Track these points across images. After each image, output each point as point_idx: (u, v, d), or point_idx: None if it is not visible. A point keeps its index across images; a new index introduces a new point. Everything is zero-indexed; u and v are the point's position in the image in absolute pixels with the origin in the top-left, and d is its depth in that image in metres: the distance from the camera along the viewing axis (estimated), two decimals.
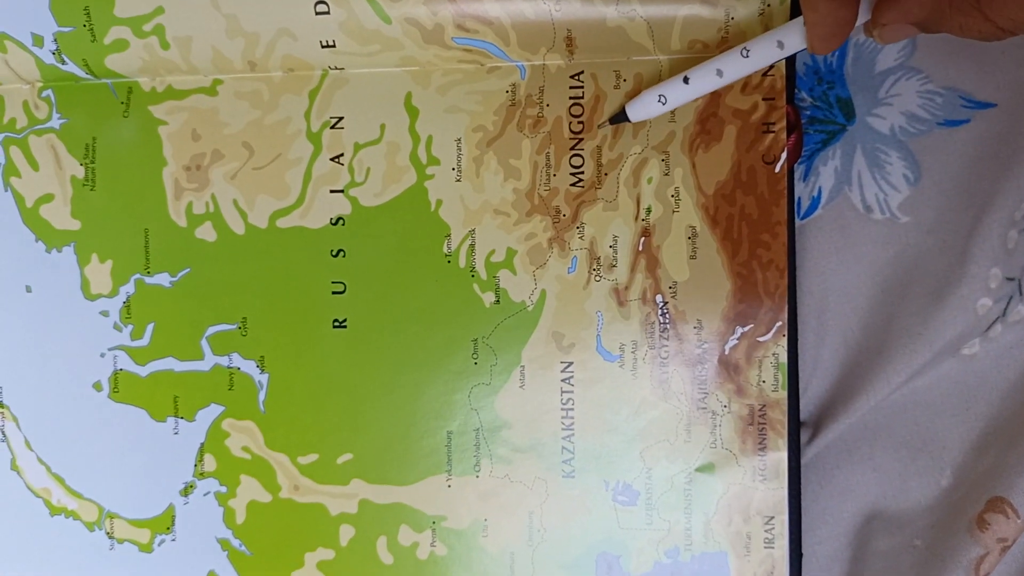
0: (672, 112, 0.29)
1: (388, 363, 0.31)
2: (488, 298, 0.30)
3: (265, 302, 0.31)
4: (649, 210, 0.29)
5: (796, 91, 0.30)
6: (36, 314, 0.32)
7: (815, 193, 0.30)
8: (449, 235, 0.30)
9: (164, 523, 0.32)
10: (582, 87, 0.30)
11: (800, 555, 0.29)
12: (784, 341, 0.29)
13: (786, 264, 0.29)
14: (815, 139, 0.30)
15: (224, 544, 0.32)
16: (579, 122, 0.30)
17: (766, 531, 0.29)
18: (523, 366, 0.30)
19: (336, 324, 0.31)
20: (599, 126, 0.29)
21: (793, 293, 0.29)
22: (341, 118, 0.31)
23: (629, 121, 0.29)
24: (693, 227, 0.29)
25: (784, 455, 0.29)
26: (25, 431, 0.33)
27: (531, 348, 0.30)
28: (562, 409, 0.30)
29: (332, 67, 0.31)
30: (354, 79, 0.31)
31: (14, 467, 0.33)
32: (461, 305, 0.30)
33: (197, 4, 0.30)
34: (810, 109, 0.30)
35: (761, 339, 0.29)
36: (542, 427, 0.30)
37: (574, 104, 0.30)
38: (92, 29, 0.30)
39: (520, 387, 0.30)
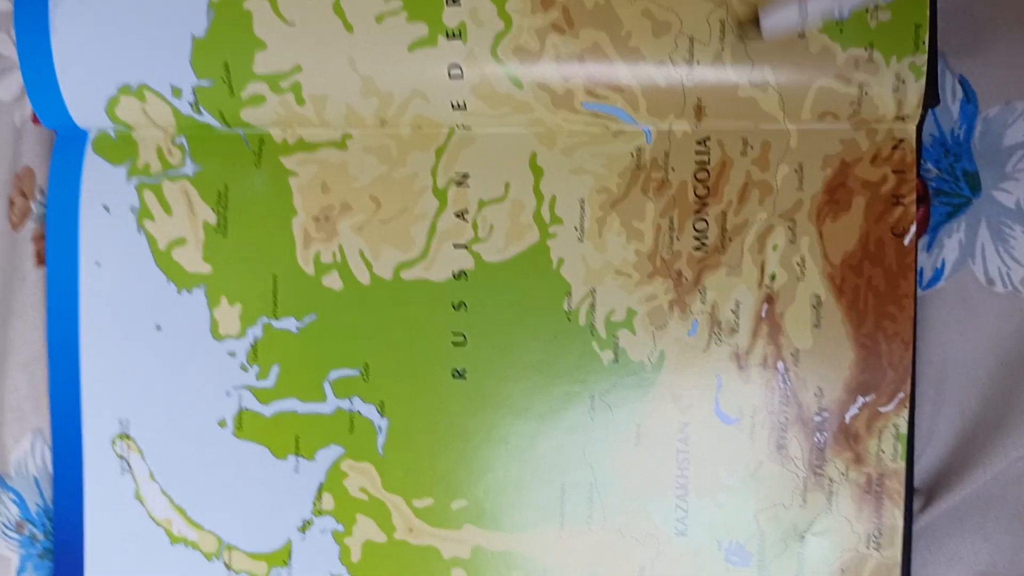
0: (800, 181, 0.28)
1: (505, 414, 0.30)
2: (607, 356, 0.30)
3: (387, 350, 0.31)
4: (774, 277, 0.28)
5: (922, 162, 0.29)
6: (165, 352, 0.32)
7: (938, 265, 0.29)
8: (570, 293, 0.29)
9: (281, 557, 0.32)
10: (708, 153, 0.29)
11: None
12: (905, 413, 0.27)
13: (911, 337, 0.27)
14: (940, 211, 0.29)
15: None
16: (704, 187, 0.29)
17: None
18: (639, 424, 0.29)
19: (456, 374, 0.31)
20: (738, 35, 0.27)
21: (913, 364, 0.28)
22: (467, 175, 0.30)
23: (760, 33, 0.26)
24: (818, 296, 0.28)
25: (899, 524, 0.28)
26: (150, 463, 0.33)
27: (648, 407, 0.29)
28: (677, 468, 0.29)
29: (460, 126, 0.30)
30: (480, 138, 0.30)
31: (137, 496, 0.33)
32: (579, 361, 0.30)
33: (335, 64, 0.29)
34: (936, 181, 0.29)
35: (882, 409, 0.28)
36: (656, 484, 0.29)
37: (700, 169, 0.29)
38: (230, 84, 0.30)
39: (635, 445, 0.30)
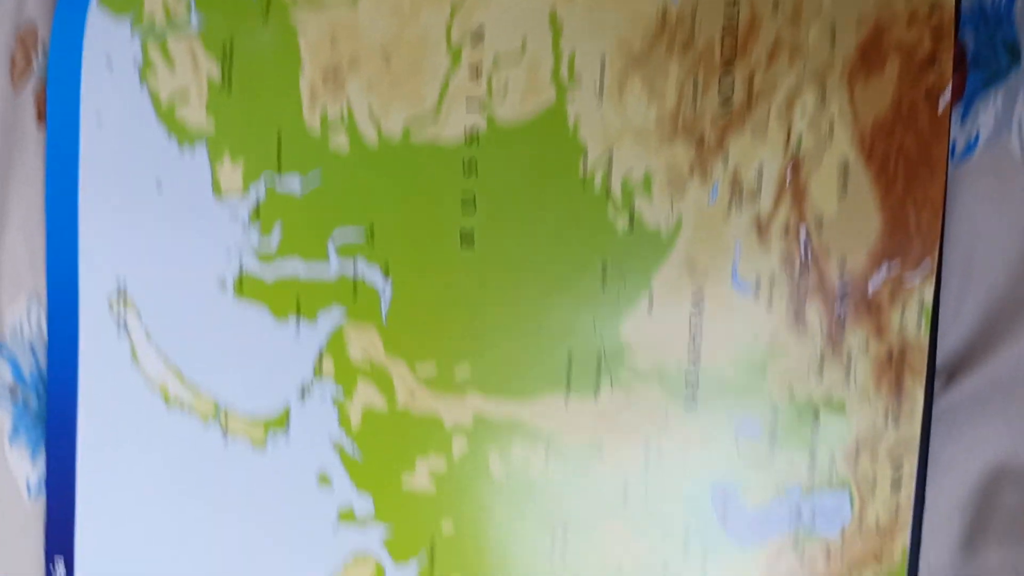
0: (832, 41, 0.26)
1: (513, 279, 0.28)
2: (622, 222, 0.28)
3: (393, 211, 0.29)
4: (800, 140, 0.27)
5: (961, 28, 0.27)
6: (165, 210, 0.30)
7: (972, 137, 0.27)
8: (585, 156, 0.28)
9: (279, 422, 0.30)
10: (737, 11, 0.27)
11: (923, 503, 0.27)
12: (931, 284, 0.26)
13: (941, 203, 0.26)
14: (977, 81, 0.27)
15: (337, 446, 0.30)
16: (732, 46, 0.27)
17: (894, 474, 0.27)
18: (652, 292, 0.28)
19: (463, 238, 0.29)
20: None
21: (941, 235, 0.27)
22: (482, 31, 0.28)
23: None
24: (846, 160, 0.26)
25: (919, 399, 0.26)
26: (146, 324, 0.31)
27: (662, 274, 0.28)
28: (690, 337, 0.28)
29: None
30: None
31: (133, 358, 0.31)
32: (593, 227, 0.28)
33: None
34: (973, 49, 0.27)
35: (907, 280, 0.26)
36: (667, 354, 0.28)
37: (728, 28, 0.27)
38: None
39: (648, 313, 0.28)
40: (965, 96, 0.27)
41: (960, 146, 0.27)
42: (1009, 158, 0.26)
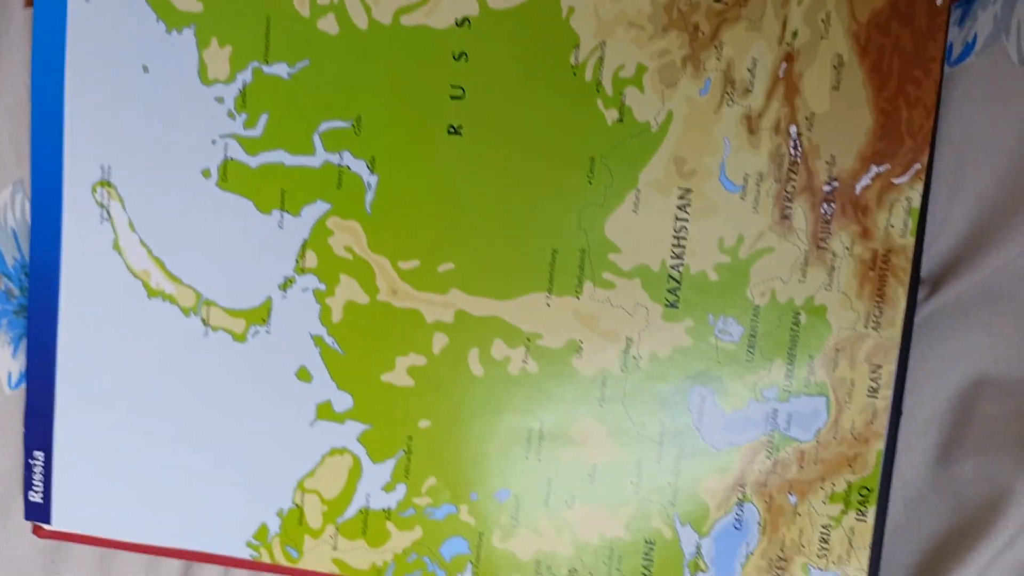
0: None
1: (500, 174, 0.28)
2: (611, 115, 0.28)
3: (381, 102, 0.29)
4: (795, 34, 0.26)
5: None
6: (151, 95, 0.30)
7: (969, 39, 0.27)
8: (578, 46, 0.27)
9: (260, 315, 0.31)
10: None
11: (900, 412, 0.27)
12: (920, 185, 0.26)
13: (934, 103, 0.25)
14: None
15: (318, 341, 0.30)
16: None
17: (871, 379, 0.27)
18: (639, 189, 0.28)
19: (451, 130, 0.29)
20: None
21: (933, 140, 0.26)
22: None
23: None
24: (840, 56, 0.26)
25: (902, 304, 0.26)
26: (130, 212, 0.31)
27: (650, 171, 0.27)
28: (674, 237, 0.28)
29: None
30: None
31: (116, 247, 0.31)
32: (582, 121, 0.28)
33: None
34: None
35: (896, 181, 0.26)
36: (651, 253, 0.28)
37: None
38: None
39: (633, 211, 0.28)
40: None
41: (957, 49, 0.26)
42: (1006, 62, 0.26)
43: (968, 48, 0.26)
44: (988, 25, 0.26)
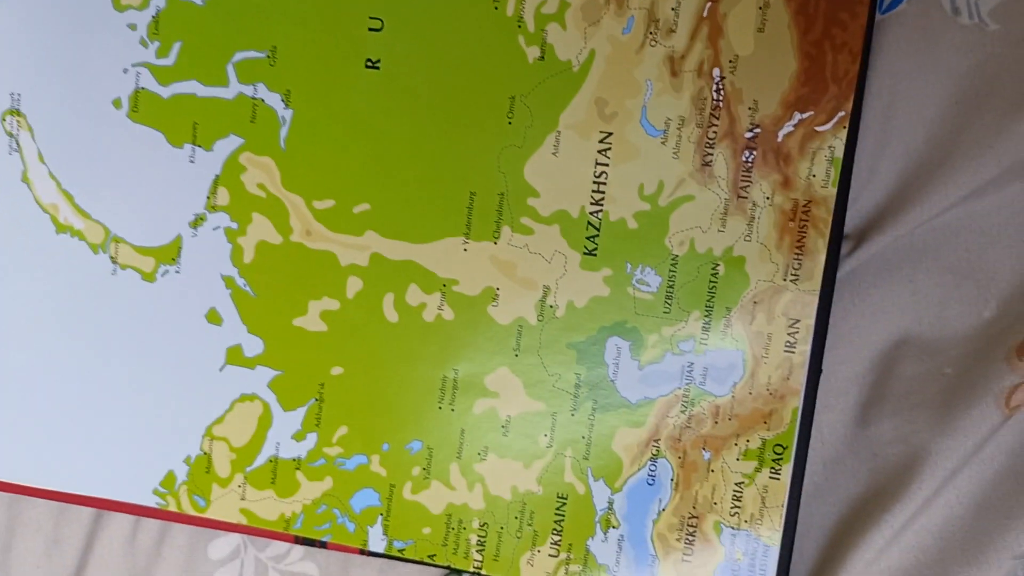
0: None
1: (418, 112, 0.28)
2: (532, 53, 0.27)
3: (298, 32, 0.28)
4: None
5: None
6: (61, 19, 0.29)
7: None
8: None
9: (170, 253, 0.30)
10: None
11: (820, 369, 0.27)
12: (844, 134, 0.26)
13: (860, 49, 0.25)
14: None
15: (228, 282, 0.30)
16: None
17: (789, 334, 0.27)
18: (559, 131, 0.27)
19: (369, 64, 0.28)
20: None
21: (860, 91, 0.26)
22: None
23: None
24: None
25: (822, 257, 0.26)
26: (39, 143, 0.30)
27: (570, 113, 0.27)
28: (594, 182, 0.27)
29: None
30: None
31: (24, 179, 0.31)
32: (503, 58, 0.27)
33: None
34: None
35: (819, 128, 0.26)
36: (570, 199, 0.27)
37: None
38: None
39: (553, 154, 0.27)
40: None
41: None
42: (939, 9, 0.26)
43: None
44: None
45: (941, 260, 0.27)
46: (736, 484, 0.27)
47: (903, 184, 0.27)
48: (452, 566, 0.29)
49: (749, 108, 0.26)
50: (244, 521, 0.30)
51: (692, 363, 0.27)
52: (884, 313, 0.27)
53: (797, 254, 0.26)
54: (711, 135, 0.26)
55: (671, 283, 0.27)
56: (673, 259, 0.27)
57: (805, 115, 0.25)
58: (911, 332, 0.27)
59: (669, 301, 0.27)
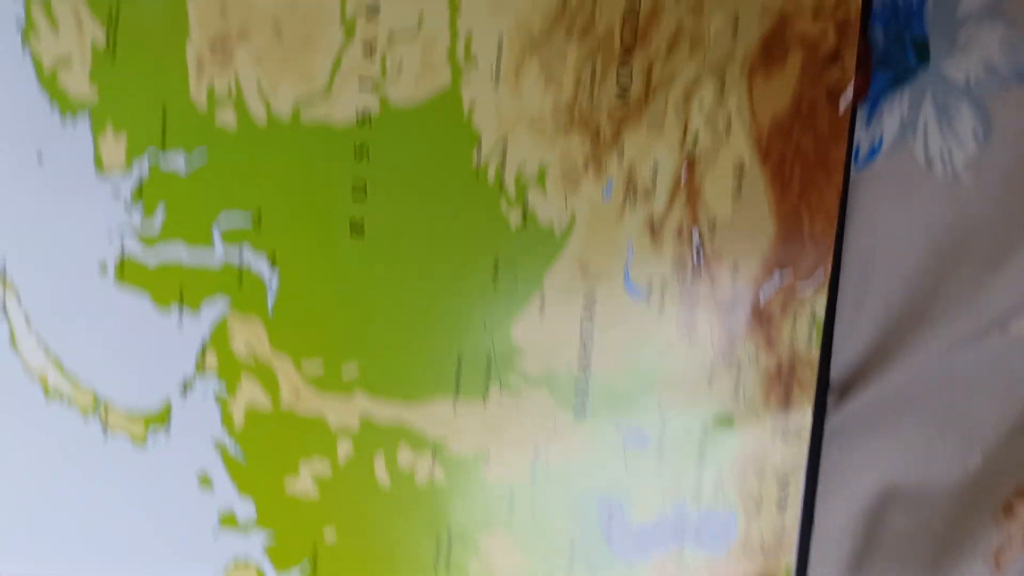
0: (735, 32, 0.26)
1: (403, 274, 0.28)
2: (514, 217, 0.28)
3: (281, 196, 0.29)
4: (697, 137, 0.27)
5: (870, 26, 0.27)
6: (46, 184, 0.30)
7: (876, 141, 0.27)
8: (480, 144, 0.28)
9: (160, 418, 0.31)
10: None
11: (811, 524, 0.27)
12: (824, 295, 0.26)
13: (836, 212, 0.26)
14: (883, 80, 0.27)
15: (219, 447, 0.30)
16: (632, 33, 0.27)
17: (780, 493, 0.27)
18: (544, 293, 0.28)
19: (353, 227, 0.29)
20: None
21: (839, 246, 0.27)
22: (377, 5, 0.28)
23: None
24: (742, 160, 0.27)
25: (808, 416, 0.26)
26: (26, 307, 0.31)
27: (554, 275, 0.28)
28: (580, 343, 0.28)
29: None
30: None
31: (12, 344, 0.31)
32: (485, 222, 0.28)
33: None
34: (882, 47, 0.27)
35: (800, 290, 0.26)
36: (557, 359, 0.28)
37: (629, 13, 0.27)
38: None
39: (539, 315, 0.28)
40: (871, 97, 0.27)
41: (864, 149, 0.27)
42: (913, 163, 0.27)
43: (875, 149, 0.27)
44: (895, 126, 0.27)
45: (926, 412, 0.27)
46: None
47: (884, 337, 0.27)
48: None
49: (730, 270, 0.26)
50: None
51: (685, 523, 0.27)
52: (872, 465, 0.27)
53: (784, 413, 0.26)
54: (694, 296, 0.27)
55: (661, 442, 0.27)
56: (663, 419, 0.27)
57: (785, 277, 0.26)
58: (900, 484, 0.27)
59: (660, 461, 0.27)
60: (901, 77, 0.27)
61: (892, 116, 0.27)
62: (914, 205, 0.26)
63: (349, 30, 0.28)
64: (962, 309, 0.26)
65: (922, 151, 0.26)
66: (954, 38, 0.26)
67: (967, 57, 0.26)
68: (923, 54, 0.26)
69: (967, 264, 0.26)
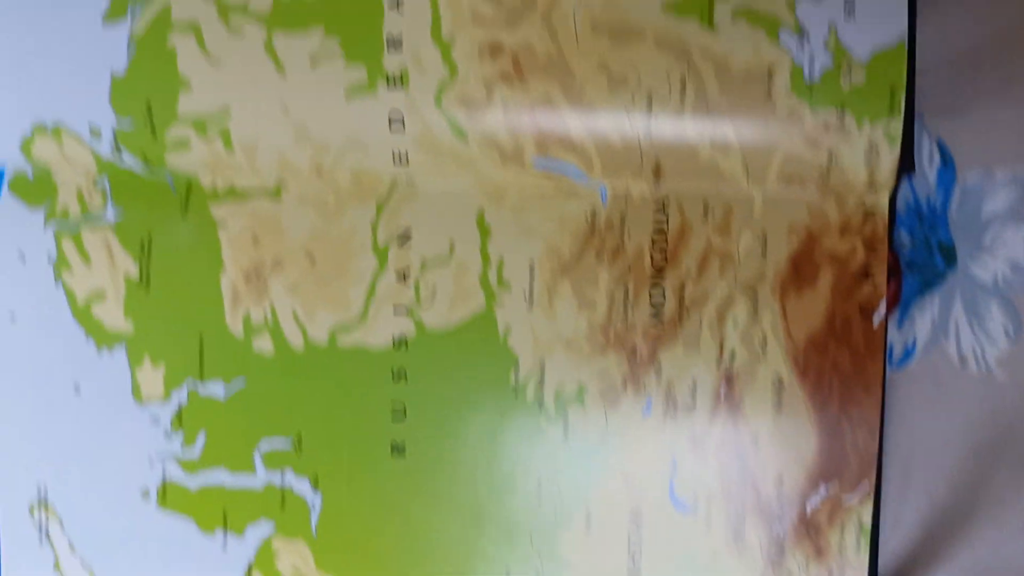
0: (764, 250, 0.27)
1: (447, 494, 0.29)
2: (555, 434, 0.28)
3: (321, 420, 0.29)
4: (733, 355, 0.28)
5: (896, 231, 0.28)
6: (84, 415, 0.31)
7: (910, 343, 0.28)
8: (517, 365, 0.28)
9: None
10: (667, 217, 0.28)
11: None
12: (870, 504, 0.27)
13: (878, 424, 0.27)
14: (913, 285, 0.28)
15: None
16: (662, 254, 0.28)
17: None
18: (589, 508, 0.28)
19: (394, 449, 0.29)
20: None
21: (880, 454, 0.27)
22: (409, 233, 0.29)
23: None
24: (780, 376, 0.27)
25: None
26: (69, 533, 0.31)
27: (598, 490, 0.28)
28: (628, 556, 0.28)
29: (402, 178, 0.29)
30: (424, 191, 0.28)
31: (57, 568, 0.31)
32: (526, 440, 0.28)
33: (265, 109, 0.28)
34: (909, 252, 0.28)
35: (846, 500, 0.27)
36: (606, 572, 0.28)
37: (657, 235, 0.28)
38: (153, 126, 0.29)
39: (585, 529, 0.28)
40: (902, 301, 0.28)
41: (898, 352, 0.28)
42: (947, 362, 0.27)
43: (909, 352, 0.28)
44: (927, 328, 0.27)
45: None
46: None
47: (930, 534, 0.28)
48: None
49: (775, 482, 0.27)
50: None
51: None
52: None
53: None
54: (740, 508, 0.27)
55: None
56: None
57: (830, 488, 0.27)
58: None
59: None
60: (930, 280, 0.27)
61: (924, 318, 0.27)
62: (951, 403, 0.27)
63: (382, 258, 0.28)
64: (1004, 509, 0.27)
65: (955, 350, 0.27)
66: (979, 240, 0.27)
67: (993, 258, 0.27)
68: (950, 257, 0.27)
69: (1006, 464, 0.27)
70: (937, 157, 0.27)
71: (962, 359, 0.27)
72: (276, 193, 0.29)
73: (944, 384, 0.27)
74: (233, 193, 0.29)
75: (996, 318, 0.27)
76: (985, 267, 0.27)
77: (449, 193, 0.28)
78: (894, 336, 0.28)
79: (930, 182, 0.27)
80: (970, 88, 0.27)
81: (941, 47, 0.27)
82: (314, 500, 0.29)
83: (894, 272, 0.27)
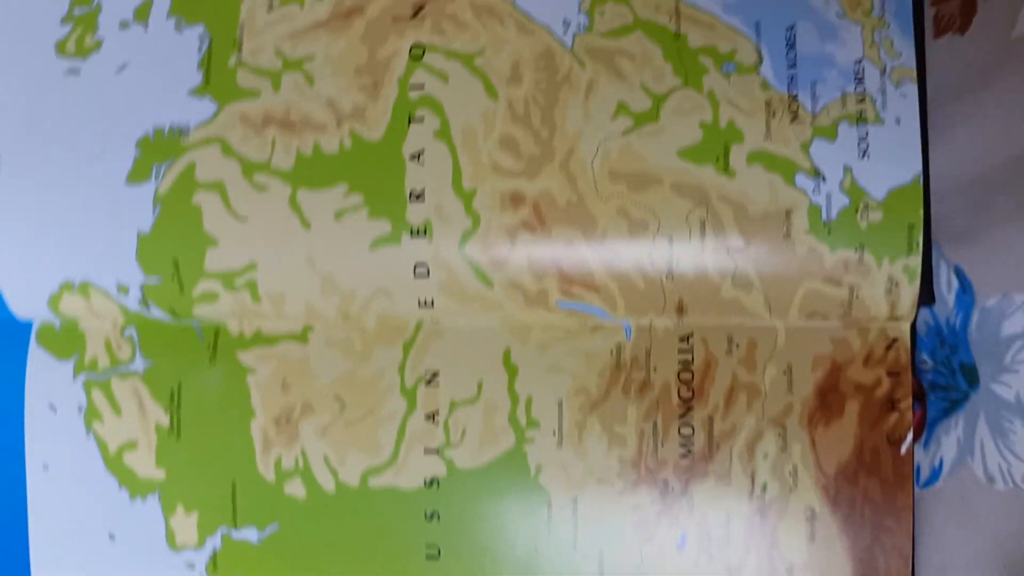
0: (790, 383, 0.28)
1: None
2: (591, 570, 0.29)
3: (356, 563, 0.29)
4: (765, 487, 0.28)
5: (918, 353, 0.29)
6: (119, 563, 0.31)
7: (936, 463, 0.29)
8: (550, 503, 0.29)
9: None
10: (691, 351, 0.29)
11: None
12: None
13: (911, 551, 0.27)
14: (937, 407, 0.29)
15: None
16: (689, 388, 0.29)
17: None
18: None
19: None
20: None
21: (912, 569, 0.28)
22: (436, 373, 0.30)
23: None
24: (812, 508, 0.28)
25: None
26: None
27: None
28: None
29: (428, 319, 0.30)
30: (450, 331, 0.29)
31: None
32: (564, 575, 0.29)
33: (292, 262, 0.28)
34: (931, 374, 0.29)
35: None
36: None
37: (683, 369, 0.29)
38: (180, 281, 0.29)
39: None
40: (927, 423, 0.28)
41: (925, 472, 0.28)
42: (974, 480, 0.28)
43: (936, 472, 0.28)
44: (952, 448, 0.28)
45: None
46: None
47: None
48: None
49: None
50: None
51: None
52: None
53: None
54: None
55: None
56: None
57: None
58: None
59: None
60: (954, 403, 0.28)
61: (949, 439, 0.28)
62: (979, 521, 0.27)
63: (410, 399, 0.29)
64: None
65: (981, 469, 0.28)
66: (1000, 360, 0.27)
67: (1016, 376, 0.27)
68: (972, 378, 0.28)
69: None
70: (955, 283, 0.28)
71: (989, 477, 0.28)
72: (303, 337, 0.30)
73: (972, 502, 0.28)
74: (260, 338, 0.30)
75: (1021, 435, 0.27)
76: (1008, 386, 0.28)
77: (475, 332, 0.29)
78: (920, 457, 0.28)
79: (949, 305, 0.28)
80: (984, 213, 0.27)
81: (954, 174, 0.27)
82: None
83: (919, 397, 0.27)
